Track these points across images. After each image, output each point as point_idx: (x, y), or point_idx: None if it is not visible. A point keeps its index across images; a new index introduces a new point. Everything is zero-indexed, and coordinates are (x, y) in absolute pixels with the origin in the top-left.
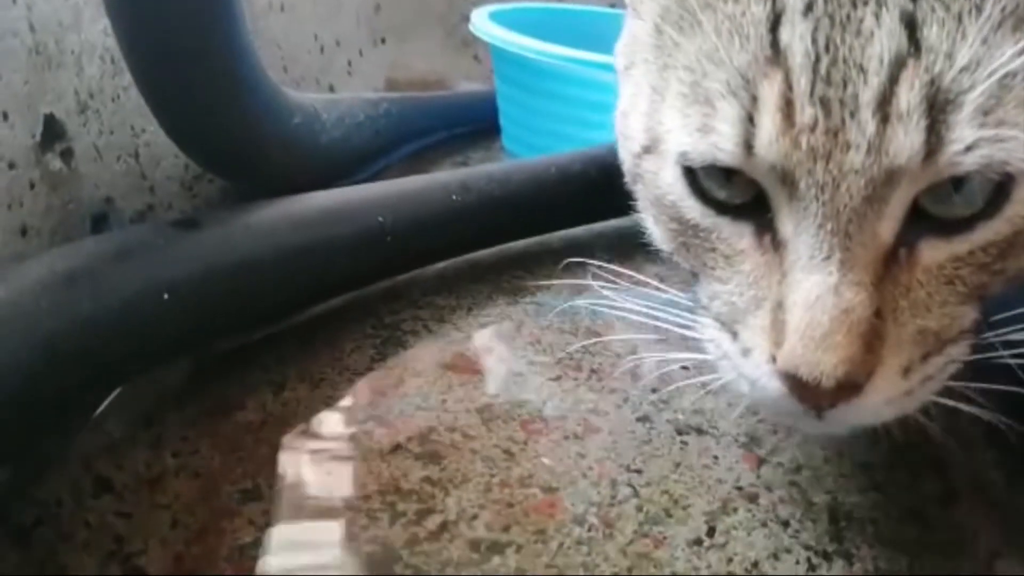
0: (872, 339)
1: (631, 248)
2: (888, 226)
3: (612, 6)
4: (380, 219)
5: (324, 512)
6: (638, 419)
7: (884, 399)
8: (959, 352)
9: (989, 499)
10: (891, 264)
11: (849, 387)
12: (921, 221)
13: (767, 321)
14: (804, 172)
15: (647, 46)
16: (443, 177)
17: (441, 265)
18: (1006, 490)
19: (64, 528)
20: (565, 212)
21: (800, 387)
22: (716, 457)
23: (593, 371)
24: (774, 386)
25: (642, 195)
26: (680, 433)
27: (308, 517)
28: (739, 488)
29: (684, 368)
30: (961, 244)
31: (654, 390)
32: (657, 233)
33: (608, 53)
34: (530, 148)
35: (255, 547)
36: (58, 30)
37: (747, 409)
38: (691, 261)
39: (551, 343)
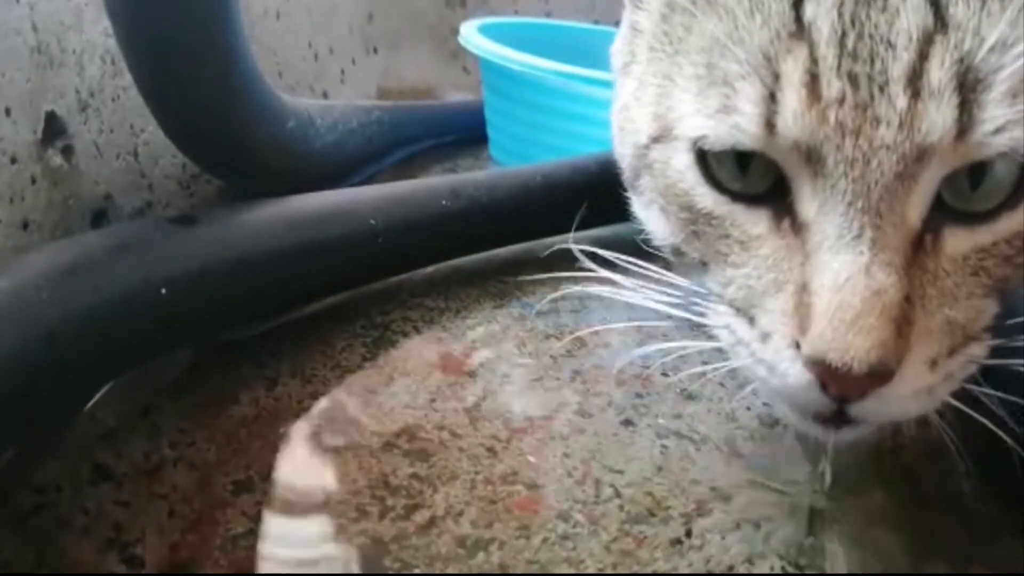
0: (902, 324)
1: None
2: (916, 209)
3: (596, 22)
4: (372, 221)
5: (314, 506)
6: (621, 422)
7: (911, 390)
8: (979, 351)
9: (959, 506)
10: (918, 250)
11: (880, 374)
12: (944, 210)
13: (789, 305)
14: (832, 148)
15: (653, 36)
16: (433, 183)
17: (431, 268)
18: (975, 498)
19: (63, 514)
20: (551, 219)
21: (828, 374)
22: (695, 461)
23: (577, 373)
24: (796, 373)
25: (647, 187)
26: (660, 436)
27: (299, 511)
28: (714, 489)
29: (664, 375)
30: (985, 234)
31: (638, 395)
32: (663, 226)
33: (592, 67)
34: (516, 158)
35: (247, 537)
36: (60, 30)
37: (725, 416)
38: (701, 250)
39: (536, 346)
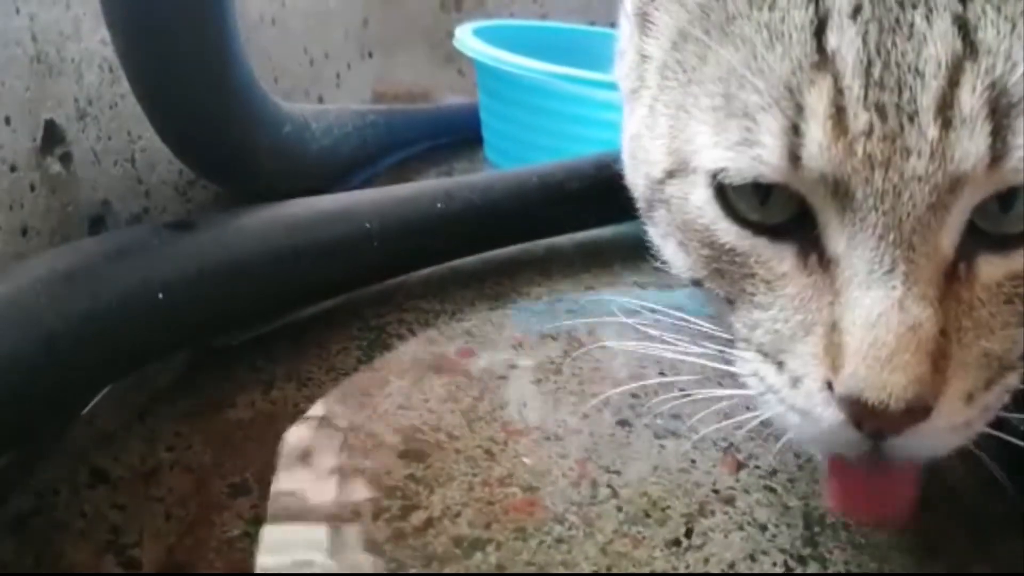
0: (939, 359)
1: (609, 256)
2: (949, 238)
3: (591, 24)
4: (367, 225)
5: (311, 508)
6: (618, 422)
7: (949, 425)
8: (1014, 381)
9: (959, 507)
10: (952, 280)
11: (918, 411)
12: (976, 236)
13: (819, 347)
14: (861, 181)
15: (664, 64)
16: (428, 186)
17: (426, 271)
18: (976, 499)
19: (61, 518)
20: (546, 221)
21: (863, 413)
22: (694, 461)
23: (573, 374)
24: (830, 415)
25: (664, 221)
26: (658, 437)
27: (296, 513)
28: (716, 491)
29: (661, 374)
30: (1018, 260)
31: (634, 395)
32: (682, 261)
33: (587, 69)
34: (511, 159)
35: (243, 540)
36: (59, 39)
37: (724, 416)
38: (726, 288)
39: (532, 347)
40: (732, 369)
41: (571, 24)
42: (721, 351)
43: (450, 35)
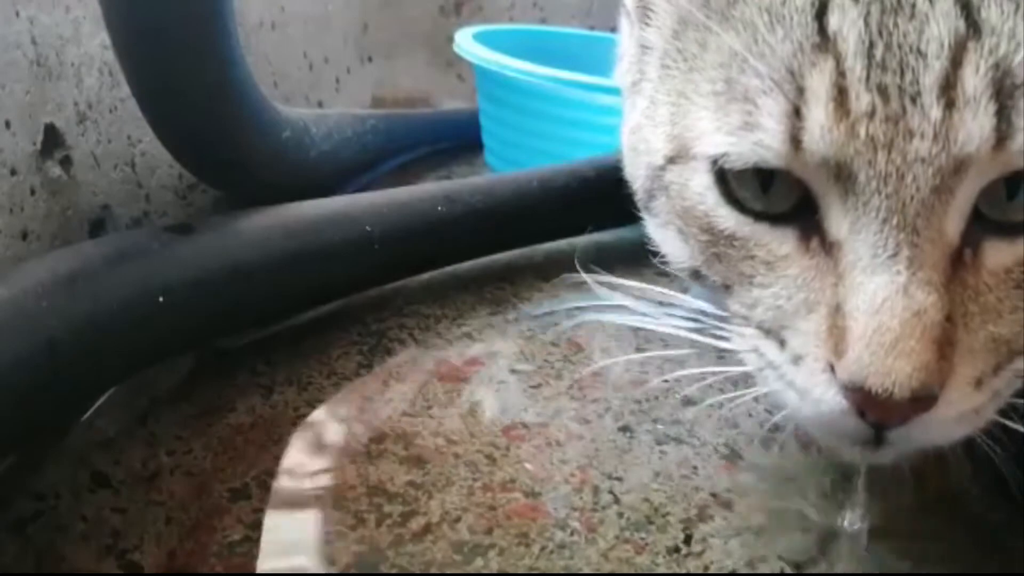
0: (944, 345)
1: (611, 259)
2: (954, 223)
3: (591, 28)
4: (368, 228)
5: (310, 512)
6: (619, 428)
7: (956, 413)
8: (1023, 365)
9: (963, 511)
10: (958, 266)
11: (923, 399)
12: (982, 222)
13: (823, 327)
14: (863, 163)
15: (664, 53)
16: (429, 189)
17: (426, 275)
18: (980, 502)
19: (61, 521)
20: (547, 225)
21: (866, 400)
22: (695, 467)
23: (575, 380)
24: (832, 399)
25: (663, 209)
26: (660, 442)
27: (296, 517)
28: (717, 497)
29: (664, 380)
30: None
31: (636, 401)
32: (681, 248)
33: (587, 73)
34: (511, 164)
35: (243, 544)
36: (59, 43)
37: (726, 421)
38: (724, 273)
39: (534, 352)
40: (726, 346)
41: (571, 28)
42: (715, 325)
43: (450, 40)
